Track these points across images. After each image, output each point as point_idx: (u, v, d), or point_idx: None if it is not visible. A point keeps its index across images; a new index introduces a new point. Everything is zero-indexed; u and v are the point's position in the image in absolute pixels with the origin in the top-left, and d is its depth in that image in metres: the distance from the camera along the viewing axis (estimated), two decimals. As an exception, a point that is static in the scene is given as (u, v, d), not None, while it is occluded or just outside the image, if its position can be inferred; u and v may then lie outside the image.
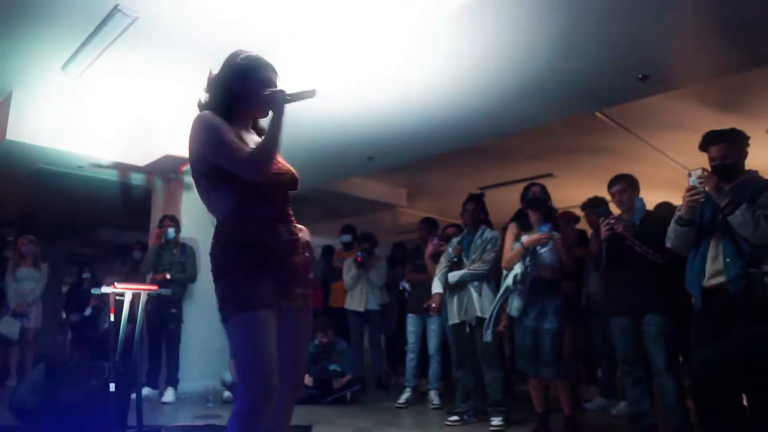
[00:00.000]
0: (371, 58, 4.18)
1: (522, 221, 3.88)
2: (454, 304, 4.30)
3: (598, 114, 5.63)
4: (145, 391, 5.12)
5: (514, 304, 3.69)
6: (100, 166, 6.05)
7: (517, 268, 3.66)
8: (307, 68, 4.35)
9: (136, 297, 3.87)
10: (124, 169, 6.12)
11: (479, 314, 4.14)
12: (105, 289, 3.79)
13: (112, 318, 3.87)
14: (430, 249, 4.84)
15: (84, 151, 5.70)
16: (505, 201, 7.11)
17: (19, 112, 5.28)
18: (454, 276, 4.29)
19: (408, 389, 5.21)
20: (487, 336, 3.76)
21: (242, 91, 1.95)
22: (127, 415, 3.78)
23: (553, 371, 3.56)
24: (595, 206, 4.31)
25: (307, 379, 5.24)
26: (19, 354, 6.63)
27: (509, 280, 3.69)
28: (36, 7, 4.11)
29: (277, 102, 1.90)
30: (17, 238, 7.03)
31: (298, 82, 4.35)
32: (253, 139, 1.99)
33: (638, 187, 3.65)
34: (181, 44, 4.49)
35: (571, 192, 7.64)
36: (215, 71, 2.02)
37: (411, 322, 5.30)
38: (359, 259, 5.90)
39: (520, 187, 4.24)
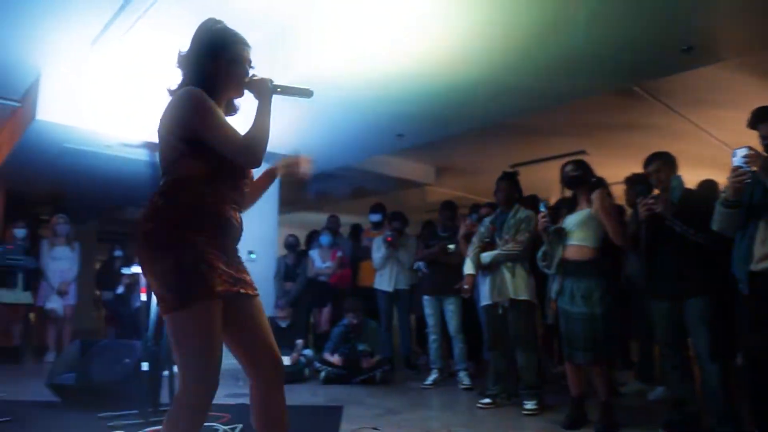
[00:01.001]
0: (400, 33, 4.04)
1: (569, 202, 3.78)
2: (486, 285, 4.21)
3: (635, 88, 5.41)
4: (176, 369, 5.17)
5: (553, 287, 3.61)
6: (129, 144, 6.07)
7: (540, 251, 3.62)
8: (335, 42, 4.24)
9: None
10: (152, 147, 6.12)
11: (512, 296, 4.05)
12: (135, 269, 3.78)
13: (143, 297, 3.88)
14: (462, 228, 4.74)
15: (113, 130, 5.71)
16: (536, 179, 6.96)
17: (48, 92, 5.30)
18: (486, 256, 4.20)
19: (435, 370, 5.17)
20: (547, 318, 3.70)
21: (217, 71, 1.87)
22: (160, 393, 3.80)
23: (585, 357, 3.45)
24: (637, 183, 4.14)
25: (337, 359, 5.25)
26: (57, 330, 6.78)
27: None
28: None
29: (263, 90, 1.87)
30: (50, 218, 7.15)
31: (328, 56, 4.31)
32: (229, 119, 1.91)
33: (676, 166, 3.46)
34: (210, 16, 4.42)
35: (604, 170, 7.40)
36: (184, 49, 1.92)
37: (427, 305, 5.23)
38: (389, 238, 5.83)
39: (552, 164, 4.11)
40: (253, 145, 1.77)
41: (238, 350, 1.87)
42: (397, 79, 4.70)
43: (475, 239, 4.41)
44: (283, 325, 5.49)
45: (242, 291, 1.81)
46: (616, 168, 8.08)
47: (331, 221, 7.18)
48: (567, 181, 3.75)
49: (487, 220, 4.45)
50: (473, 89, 4.93)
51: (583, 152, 7.70)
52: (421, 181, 9.01)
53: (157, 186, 1.81)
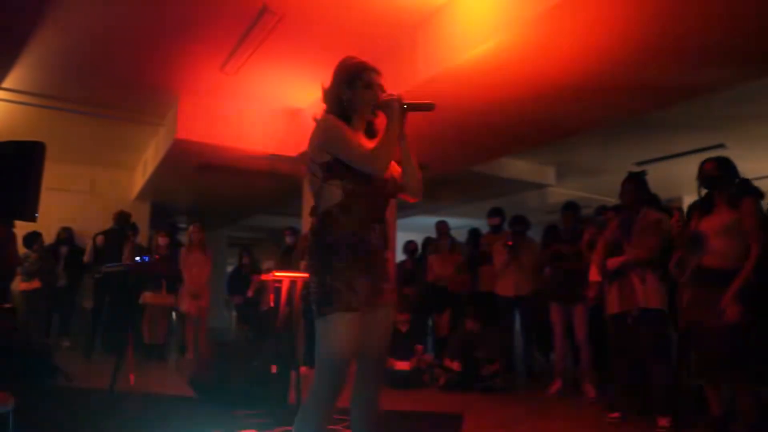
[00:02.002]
0: (520, 35, 3.92)
1: (703, 203, 3.48)
2: (613, 293, 3.99)
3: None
4: (302, 370, 5.41)
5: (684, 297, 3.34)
6: (256, 157, 6.47)
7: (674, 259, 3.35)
8: (452, 43, 4.23)
9: (292, 283, 4.05)
10: (277, 159, 6.49)
11: (642, 304, 3.80)
12: (264, 277, 4.00)
13: (272, 303, 4.10)
14: (586, 237, 4.53)
15: (241, 144, 6.13)
16: (666, 177, 6.49)
17: (186, 114, 5.79)
18: (613, 262, 3.97)
19: (558, 379, 4.98)
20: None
21: (351, 97, 2.07)
22: (288, 393, 3.99)
23: (724, 374, 3.14)
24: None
25: (456, 365, 5.22)
26: (194, 331, 7.36)
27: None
28: (194, 18, 4.46)
29: (391, 107, 2.01)
30: (188, 226, 7.78)
31: (445, 61, 4.32)
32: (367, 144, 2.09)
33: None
34: (325, 36, 4.62)
35: (745, 164, 6.76)
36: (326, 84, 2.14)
37: (555, 312, 5.04)
38: (510, 242, 5.70)
39: (684, 160, 3.79)
40: (377, 155, 1.95)
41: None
42: (517, 81, 4.58)
43: (600, 244, 4.19)
44: (403, 330, 5.55)
45: (378, 302, 2.02)
46: (759, 162, 7.37)
47: (439, 227, 7.14)
48: (705, 180, 3.46)
49: (612, 224, 4.20)
50: (599, 86, 4.67)
51: (721, 146, 7.09)
52: (541, 182, 8.74)
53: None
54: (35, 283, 7.38)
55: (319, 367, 1.91)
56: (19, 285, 7.47)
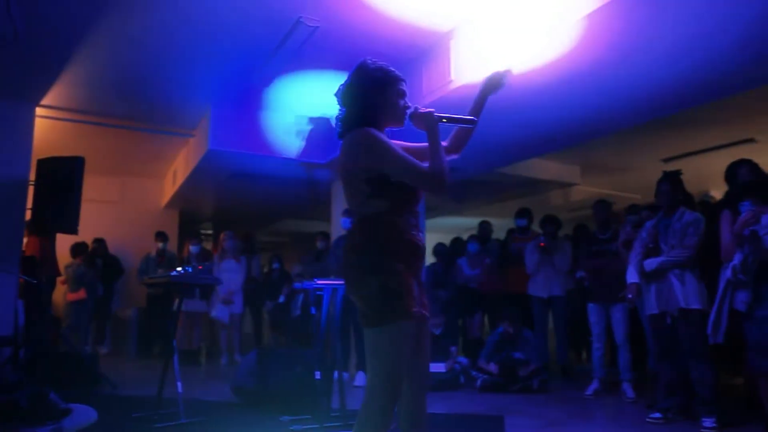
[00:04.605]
0: (551, 40, 3.95)
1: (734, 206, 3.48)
2: (651, 294, 4.01)
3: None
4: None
5: (740, 298, 3.33)
6: (286, 165, 6.57)
7: (736, 259, 3.29)
8: (483, 53, 4.28)
9: (333, 290, 4.12)
10: (307, 166, 6.59)
11: (682, 305, 3.81)
12: (307, 286, 4.08)
13: (313, 311, 4.17)
14: (622, 237, 4.54)
15: (273, 152, 6.23)
16: (692, 172, 6.45)
17: (218, 125, 5.90)
18: (651, 263, 3.99)
19: (596, 380, 5.00)
20: (717, 337, 3.42)
21: (382, 104, 2.02)
22: (331, 399, 4.06)
23: None
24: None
25: (493, 367, 5.26)
26: (227, 336, 7.49)
27: (728, 273, 3.33)
28: (227, 27, 4.55)
29: (429, 121, 1.98)
30: (216, 233, 7.91)
31: (476, 66, 4.36)
32: None
33: None
34: (358, 46, 4.69)
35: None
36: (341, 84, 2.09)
37: (593, 313, 5.04)
38: (542, 243, 5.72)
39: (713, 156, 3.77)
40: (440, 174, 1.92)
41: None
42: (547, 85, 4.61)
43: (636, 245, 4.21)
44: (437, 332, 5.61)
45: (424, 312, 1.99)
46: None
47: (482, 228, 7.19)
48: (749, 187, 3.47)
49: (649, 224, 4.22)
50: (627, 87, 4.68)
51: (750, 140, 7.04)
52: (566, 180, 8.73)
53: (351, 225, 2.02)
54: (81, 293, 7.56)
55: (376, 376, 1.89)
56: (66, 296, 7.68)
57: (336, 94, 2.11)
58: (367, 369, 1.94)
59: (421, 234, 2.04)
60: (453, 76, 4.54)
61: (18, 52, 4.61)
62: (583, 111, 5.14)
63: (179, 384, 3.89)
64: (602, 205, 5.28)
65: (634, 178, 8.85)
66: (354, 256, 1.95)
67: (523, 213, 6.58)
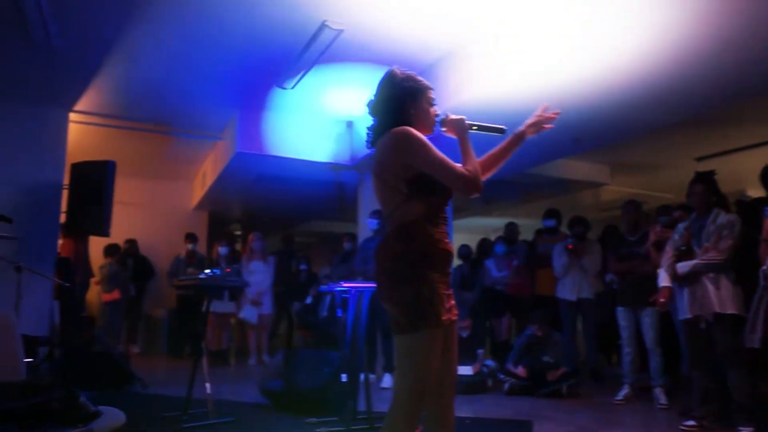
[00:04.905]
0: (579, 41, 3.89)
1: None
2: (684, 298, 3.91)
3: None
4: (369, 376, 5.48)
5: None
6: (313, 167, 6.61)
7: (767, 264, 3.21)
8: (511, 55, 4.24)
9: (359, 292, 4.12)
10: (334, 168, 6.61)
11: (717, 309, 3.71)
12: (332, 288, 4.09)
13: (339, 313, 4.18)
14: (652, 237, 4.45)
15: (299, 154, 6.27)
16: (726, 172, 6.27)
17: (245, 128, 5.97)
18: (683, 266, 3.89)
19: (626, 385, 4.90)
20: (753, 342, 3.32)
21: (413, 113, 2.05)
22: (358, 401, 4.06)
23: None
24: None
25: (521, 371, 5.20)
26: (256, 337, 7.56)
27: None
28: (253, 33, 4.60)
29: (461, 128, 2.05)
30: (245, 234, 8.00)
31: (500, 67, 4.33)
32: None
33: None
34: (382, 50, 4.70)
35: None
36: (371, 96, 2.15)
37: (622, 316, 4.94)
38: (570, 245, 5.64)
39: (748, 154, 3.65)
40: (477, 176, 1.97)
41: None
42: (575, 86, 4.55)
43: (668, 247, 4.11)
44: (464, 335, 5.57)
45: (453, 318, 2.01)
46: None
47: (509, 229, 7.12)
48: None
49: (681, 226, 4.12)
50: (658, 86, 4.57)
51: (789, 139, 6.81)
52: (596, 180, 8.58)
53: (386, 230, 2.04)
54: (115, 294, 7.73)
55: (404, 380, 1.93)
56: (102, 296, 7.86)
57: (367, 105, 2.16)
58: (396, 373, 1.99)
59: (449, 240, 2.06)
60: (477, 78, 4.50)
61: (52, 60, 4.74)
62: (614, 110, 5.04)
63: (208, 385, 3.94)
64: (631, 205, 5.17)
65: (666, 178, 8.65)
66: (389, 263, 1.97)
67: (552, 214, 6.50)
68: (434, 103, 2.12)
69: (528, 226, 8.70)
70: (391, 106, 2.06)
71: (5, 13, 4.05)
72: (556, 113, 2.23)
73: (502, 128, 2.08)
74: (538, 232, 6.98)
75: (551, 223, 6.47)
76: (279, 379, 4.66)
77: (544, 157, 6.63)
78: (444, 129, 2.11)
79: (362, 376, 4.15)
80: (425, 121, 2.08)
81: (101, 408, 2.03)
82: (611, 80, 4.43)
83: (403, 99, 2.05)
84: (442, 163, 1.93)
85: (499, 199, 9.65)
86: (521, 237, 7.43)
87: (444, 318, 1.92)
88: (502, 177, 7.53)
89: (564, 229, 6.39)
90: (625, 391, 4.87)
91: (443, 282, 1.96)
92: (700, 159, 7.58)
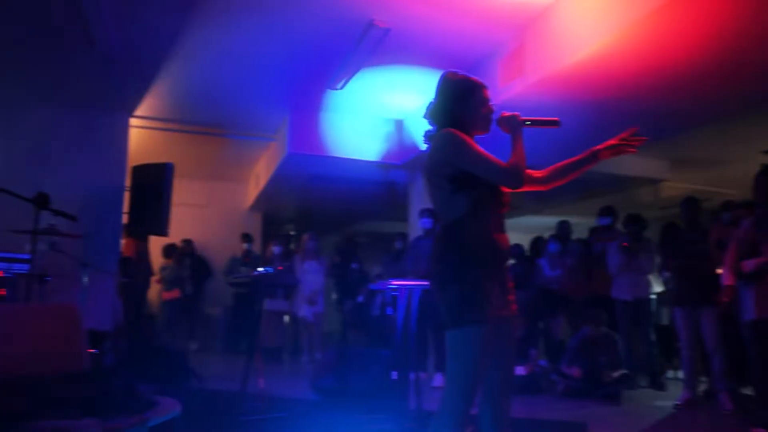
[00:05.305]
0: (639, 25, 3.75)
1: None
2: (751, 297, 3.72)
3: None
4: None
5: None
6: (363, 166, 6.66)
7: None
8: (561, 44, 4.15)
9: (410, 291, 4.12)
10: (385, 167, 6.65)
11: (786, 309, 3.52)
12: (381, 286, 4.10)
13: (389, 311, 4.19)
14: (713, 235, 4.26)
15: (350, 154, 6.34)
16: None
17: (296, 129, 6.08)
18: (749, 264, 3.71)
19: (687, 389, 4.70)
20: None
21: (468, 114, 2.08)
22: (408, 398, 4.06)
23: None
24: None
25: (575, 372, 5.08)
26: (309, 334, 7.68)
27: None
28: (302, 35, 4.68)
29: (514, 125, 2.06)
30: (299, 234, 8.14)
31: (553, 58, 4.23)
32: None
33: None
34: (430, 44, 4.69)
35: None
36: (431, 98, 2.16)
37: (680, 317, 4.74)
38: (625, 244, 5.46)
39: None
40: (517, 170, 1.98)
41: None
42: (635, 75, 4.39)
43: (732, 245, 3.92)
44: (517, 335, 5.48)
45: (506, 314, 2.01)
46: None
47: (561, 228, 6.97)
48: None
49: (746, 223, 3.93)
50: (724, 75, 4.37)
51: None
52: (655, 176, 8.29)
53: (437, 230, 2.10)
54: (175, 293, 8.02)
55: (453, 378, 1.94)
56: (162, 295, 8.17)
57: (426, 112, 2.18)
58: (446, 372, 2.00)
59: (505, 235, 2.06)
60: (529, 70, 4.42)
61: (114, 68, 4.97)
62: (676, 98, 4.84)
63: (261, 380, 4.03)
64: (690, 202, 4.97)
65: (730, 173, 8.26)
66: (436, 264, 2.02)
67: (607, 211, 6.32)
68: (488, 102, 2.12)
69: (583, 224, 8.49)
70: (445, 110, 2.11)
71: (70, 26, 4.28)
72: (643, 139, 2.17)
73: (555, 120, 2.06)
74: (593, 231, 6.79)
75: (606, 220, 6.29)
76: (330, 376, 4.72)
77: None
78: (500, 127, 2.11)
79: (412, 375, 4.15)
80: (479, 120, 2.10)
81: (158, 398, 2.11)
82: (674, 65, 4.22)
83: (453, 102, 2.09)
84: (480, 159, 1.96)
85: (552, 197, 9.45)
86: (576, 236, 7.26)
87: (493, 313, 1.91)
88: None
89: (620, 227, 6.20)
90: (686, 395, 4.67)
91: (492, 277, 1.95)
92: (767, 152, 7.21)
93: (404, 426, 3.74)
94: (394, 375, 4.20)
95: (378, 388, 4.36)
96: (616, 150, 2.18)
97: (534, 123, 2.06)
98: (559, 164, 2.18)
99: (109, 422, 1.78)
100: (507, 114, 2.08)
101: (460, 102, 2.09)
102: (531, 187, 2.17)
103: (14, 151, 5.64)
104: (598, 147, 2.17)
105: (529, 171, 2.16)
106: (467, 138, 2.01)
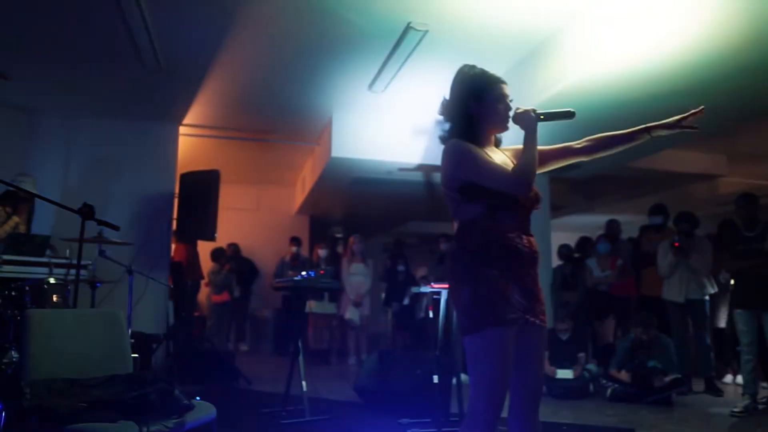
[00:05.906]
0: (674, 23, 3.64)
1: None
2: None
3: None
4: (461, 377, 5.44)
5: None
6: (406, 169, 6.67)
7: None
8: (603, 46, 4.05)
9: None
10: (427, 169, 6.63)
11: None
12: (423, 289, 4.10)
13: (431, 314, 4.18)
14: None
15: (392, 157, 6.37)
16: None
17: (339, 133, 6.15)
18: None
19: (746, 396, 4.48)
20: None
21: (481, 110, 1.98)
22: (449, 402, 4.04)
23: None
24: None
25: (625, 376, 4.93)
26: (356, 337, 7.74)
27: None
28: (342, 39, 4.73)
29: (528, 121, 1.94)
30: (346, 236, 8.22)
31: (595, 60, 4.14)
32: (498, 156, 2.02)
33: None
34: (469, 45, 4.65)
35: None
36: (447, 96, 2.06)
37: (741, 320, 4.53)
38: (677, 243, 5.26)
39: None
40: (523, 176, 1.88)
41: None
42: (670, 72, 4.25)
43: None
44: (564, 337, 5.37)
45: (531, 319, 1.90)
46: None
47: (610, 227, 6.79)
48: None
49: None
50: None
51: None
52: (711, 172, 7.95)
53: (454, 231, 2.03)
54: (225, 296, 8.25)
55: (475, 384, 1.86)
56: (211, 298, 8.42)
57: (440, 109, 2.10)
58: (468, 375, 1.93)
59: (524, 236, 1.94)
60: (568, 70, 4.33)
61: (162, 79, 5.15)
62: (733, 89, 4.63)
63: (304, 383, 4.08)
64: (746, 198, 4.74)
65: (795, 167, 7.87)
66: (450, 264, 1.99)
67: (658, 210, 6.11)
68: (506, 98, 2.01)
69: (636, 222, 8.23)
70: (457, 107, 2.01)
71: (119, 42, 4.48)
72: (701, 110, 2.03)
73: (571, 112, 1.94)
74: (644, 230, 6.57)
75: (657, 219, 6.09)
76: (373, 379, 4.74)
77: (650, 147, 6.22)
78: (515, 123, 2.01)
79: (454, 378, 4.12)
80: (495, 118, 2.00)
81: (195, 401, 2.17)
82: (731, 53, 4.05)
83: (467, 100, 1.99)
84: (482, 170, 1.89)
85: (602, 195, 9.20)
86: (626, 235, 7.04)
87: (510, 316, 1.83)
88: (603, 172, 7.19)
89: (672, 225, 5.98)
90: (745, 402, 4.45)
91: (508, 278, 1.87)
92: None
93: (445, 430, 3.71)
94: (436, 378, 4.18)
95: (420, 391, 4.35)
96: (671, 126, 2.04)
97: (547, 116, 1.95)
98: (605, 135, 2.07)
99: (146, 425, 1.84)
100: (520, 110, 1.97)
101: (476, 98, 1.98)
102: (571, 158, 2.10)
103: (73, 162, 5.93)
104: (653, 124, 2.04)
105: (567, 144, 2.10)
106: (469, 148, 1.92)
